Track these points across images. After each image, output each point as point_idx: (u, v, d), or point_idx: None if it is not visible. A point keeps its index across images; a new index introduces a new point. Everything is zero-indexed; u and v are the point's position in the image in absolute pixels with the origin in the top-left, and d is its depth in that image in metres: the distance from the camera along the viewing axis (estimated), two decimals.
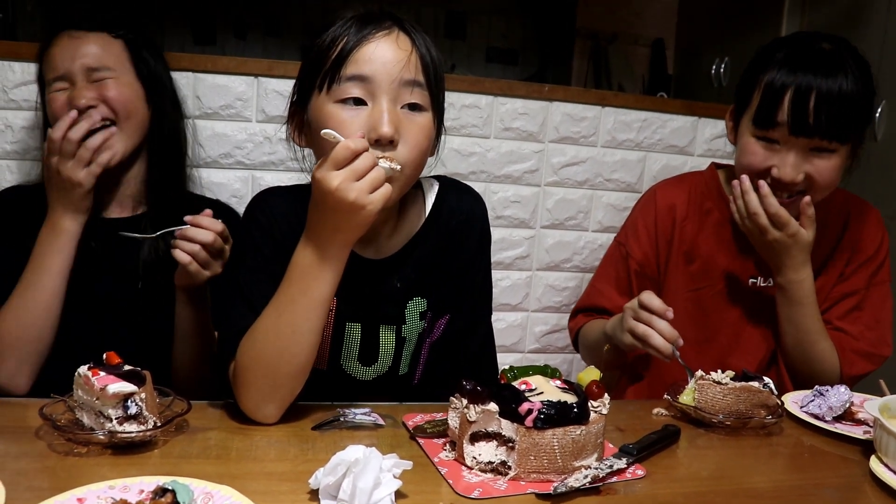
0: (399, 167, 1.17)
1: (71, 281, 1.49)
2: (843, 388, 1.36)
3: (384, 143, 1.17)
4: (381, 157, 1.14)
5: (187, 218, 1.45)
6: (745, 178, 1.59)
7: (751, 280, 1.76)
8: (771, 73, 1.57)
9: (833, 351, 1.65)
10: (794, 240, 1.57)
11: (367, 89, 1.18)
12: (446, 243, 1.40)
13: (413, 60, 1.22)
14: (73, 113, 1.46)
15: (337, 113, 1.18)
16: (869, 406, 1.20)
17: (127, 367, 1.08)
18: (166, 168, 1.66)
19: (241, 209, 1.91)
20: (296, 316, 1.14)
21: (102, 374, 1.04)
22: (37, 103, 1.64)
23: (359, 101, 1.19)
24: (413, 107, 1.22)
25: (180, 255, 1.42)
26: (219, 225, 1.46)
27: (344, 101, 1.19)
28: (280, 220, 1.29)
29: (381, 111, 1.17)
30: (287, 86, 1.96)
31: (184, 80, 1.91)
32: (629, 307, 1.52)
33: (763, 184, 1.56)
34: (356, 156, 1.09)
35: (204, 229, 1.44)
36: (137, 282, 1.57)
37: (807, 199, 1.56)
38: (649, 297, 1.48)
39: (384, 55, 1.19)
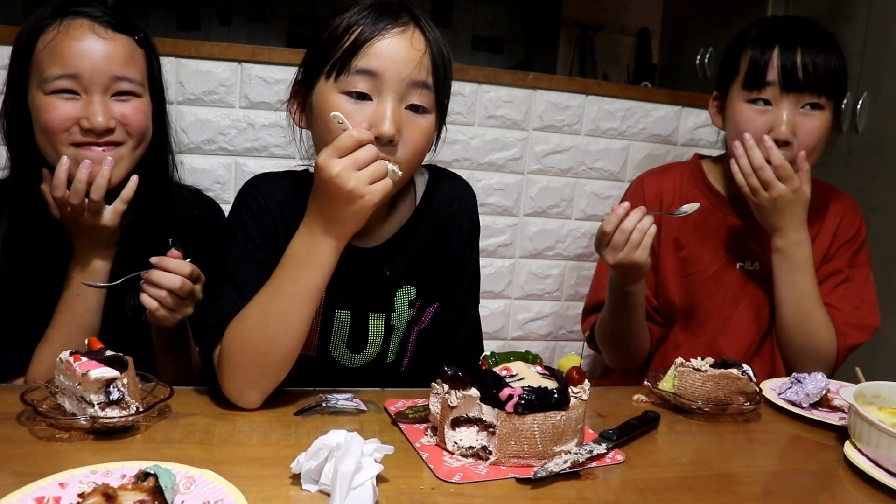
0: (400, 172, 1.17)
1: (53, 283, 1.40)
2: (819, 376, 1.38)
3: (384, 142, 1.17)
4: (383, 158, 1.14)
5: (153, 260, 1.33)
6: (748, 135, 1.60)
7: (738, 264, 1.79)
8: (756, 40, 1.63)
9: (829, 322, 1.67)
10: (797, 195, 1.59)
11: (375, 85, 1.18)
12: (436, 233, 1.40)
13: (425, 62, 1.21)
14: (65, 167, 1.28)
15: (341, 104, 1.18)
16: (844, 393, 1.22)
17: (109, 353, 1.08)
18: (154, 179, 1.48)
19: (224, 195, 1.92)
20: (286, 304, 1.14)
21: (84, 359, 1.04)
22: (5, 103, 1.39)
23: (364, 95, 1.18)
24: (417, 108, 1.22)
25: (147, 301, 1.32)
26: (186, 267, 1.34)
27: (350, 92, 1.18)
28: (272, 206, 1.29)
29: (385, 110, 1.17)
30: (271, 72, 1.98)
31: (167, 66, 1.87)
32: (595, 244, 1.58)
33: (767, 137, 1.59)
34: (360, 145, 1.09)
35: (171, 273, 1.33)
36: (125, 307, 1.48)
37: (802, 153, 1.59)
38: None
39: (396, 53, 1.18)
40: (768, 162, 1.58)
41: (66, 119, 1.31)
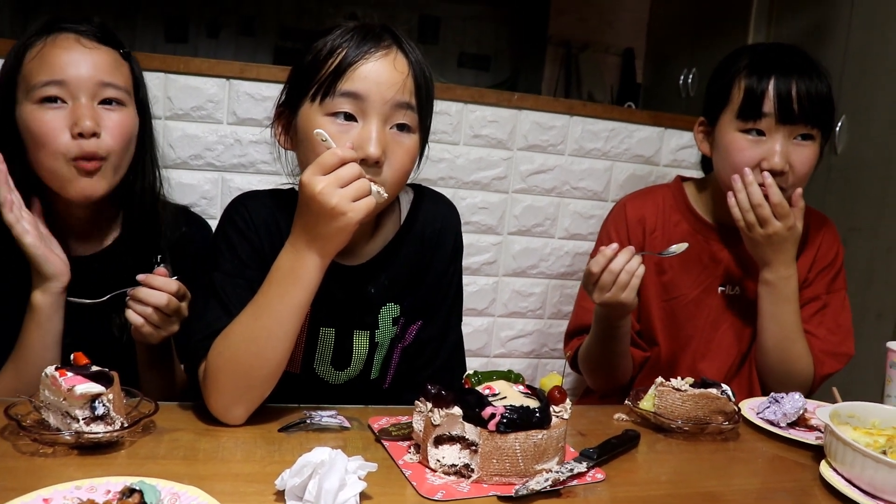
0: (386, 195, 1.19)
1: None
2: (797, 396, 1.40)
3: (370, 164, 1.18)
4: (368, 179, 1.15)
5: (139, 277, 1.33)
6: (748, 170, 1.61)
7: (720, 288, 1.80)
8: (750, 70, 1.64)
9: (808, 352, 1.69)
10: (791, 232, 1.61)
11: (360, 107, 1.20)
12: (420, 251, 1.41)
13: (408, 83, 1.23)
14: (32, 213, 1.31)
15: (326, 126, 1.19)
16: (821, 413, 1.24)
17: (94, 368, 1.08)
18: (140, 197, 1.48)
19: (210, 210, 1.92)
20: (272, 320, 1.15)
21: (70, 374, 1.05)
22: None
23: (349, 117, 1.20)
24: (402, 127, 1.23)
25: (133, 318, 1.32)
26: (173, 285, 1.34)
27: (335, 114, 1.20)
28: (258, 223, 1.30)
29: (371, 131, 1.19)
30: (259, 89, 1.99)
31: (155, 81, 1.90)
32: (583, 283, 1.59)
33: (767, 174, 1.60)
34: (343, 163, 1.10)
35: (157, 290, 1.32)
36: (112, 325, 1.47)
37: (798, 191, 1.62)
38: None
39: (380, 76, 1.20)
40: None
41: (56, 127, 1.31)
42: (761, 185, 1.60)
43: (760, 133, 1.63)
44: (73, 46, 1.34)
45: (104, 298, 1.36)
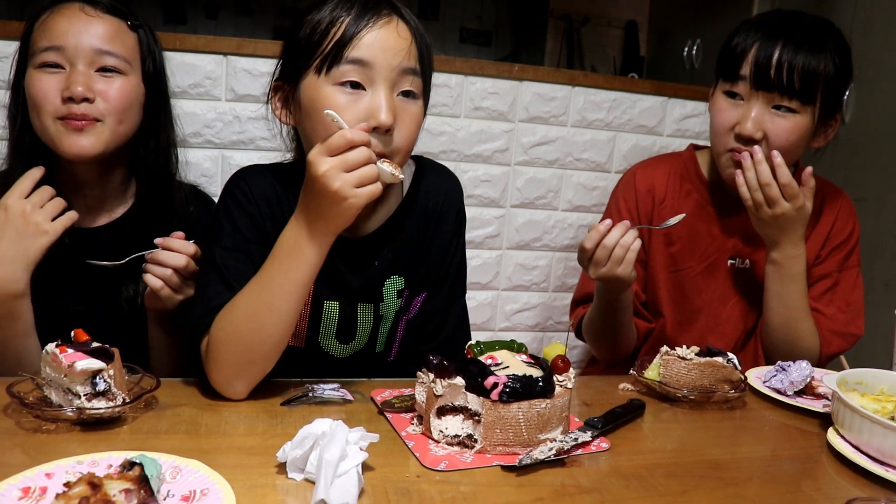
0: (402, 176, 1.17)
1: (50, 279, 1.39)
2: (804, 364, 1.39)
3: (382, 132, 1.18)
4: (385, 161, 1.16)
5: (157, 241, 1.37)
6: (757, 148, 1.57)
7: (730, 261, 1.78)
8: (744, 31, 1.61)
9: (814, 330, 1.67)
10: (800, 213, 1.57)
11: (367, 75, 1.18)
12: (423, 223, 1.41)
13: (412, 50, 1.23)
14: (35, 175, 1.32)
15: (335, 95, 1.18)
16: (828, 380, 1.23)
17: (95, 344, 1.08)
18: (154, 175, 1.52)
19: (211, 188, 1.91)
20: (275, 296, 1.15)
21: (70, 351, 1.04)
22: (10, 79, 1.46)
23: (356, 85, 1.19)
24: (408, 94, 1.23)
25: (152, 280, 1.35)
26: (191, 247, 1.37)
27: (342, 83, 1.19)
28: (259, 198, 1.29)
29: (380, 99, 1.18)
30: (256, 65, 1.97)
31: None
32: (578, 258, 1.57)
33: (776, 153, 1.55)
34: (352, 147, 1.09)
35: (176, 253, 1.36)
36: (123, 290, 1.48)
37: (808, 169, 1.57)
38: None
39: (385, 42, 1.19)
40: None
41: (49, 90, 1.35)
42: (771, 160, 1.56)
43: (740, 97, 1.61)
44: (75, 15, 1.37)
45: (124, 261, 1.40)
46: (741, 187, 1.59)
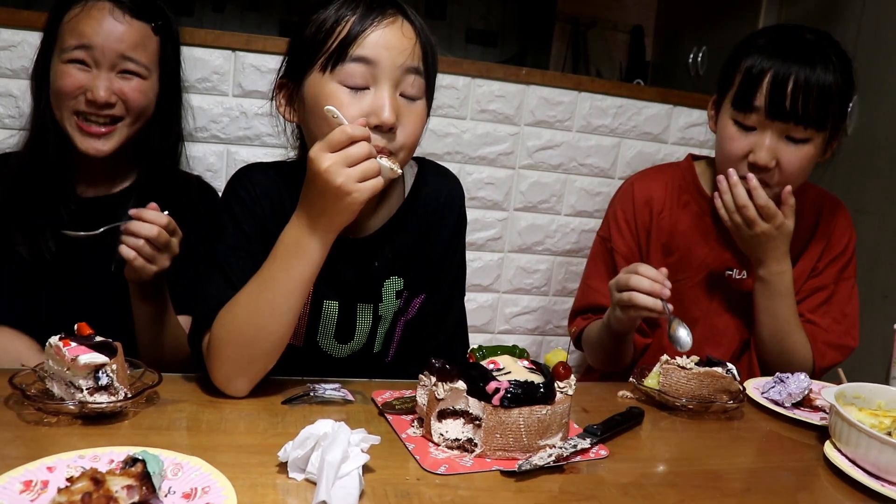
0: (400, 171, 1.18)
1: (48, 260, 1.48)
2: (802, 376, 1.40)
3: (384, 130, 1.18)
4: (384, 157, 1.16)
5: (132, 211, 1.38)
6: (732, 171, 1.59)
7: (727, 272, 1.78)
8: (752, 58, 1.59)
9: (806, 343, 1.68)
10: (780, 231, 1.59)
11: (371, 73, 1.19)
12: (424, 225, 1.41)
13: (416, 50, 1.23)
14: None
15: (338, 93, 1.19)
16: (826, 393, 1.24)
17: (98, 338, 1.08)
18: (160, 166, 1.59)
19: (215, 183, 1.91)
20: (276, 293, 1.15)
21: (73, 344, 1.05)
22: (35, 69, 1.51)
23: (361, 84, 1.19)
24: (411, 94, 1.23)
25: (125, 251, 1.36)
26: (163, 218, 1.39)
27: (346, 82, 1.19)
28: (261, 196, 1.29)
29: (384, 97, 1.18)
30: (265, 61, 1.97)
31: None
32: (612, 284, 1.56)
33: (752, 176, 1.57)
34: (353, 142, 1.09)
35: (148, 223, 1.37)
36: (111, 263, 1.52)
37: (787, 188, 1.58)
38: (626, 270, 1.53)
39: (389, 42, 1.20)
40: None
41: (75, 86, 1.43)
42: (747, 182, 1.57)
43: (752, 126, 1.59)
44: (104, 17, 1.44)
45: (98, 231, 1.43)
46: (720, 210, 1.63)
